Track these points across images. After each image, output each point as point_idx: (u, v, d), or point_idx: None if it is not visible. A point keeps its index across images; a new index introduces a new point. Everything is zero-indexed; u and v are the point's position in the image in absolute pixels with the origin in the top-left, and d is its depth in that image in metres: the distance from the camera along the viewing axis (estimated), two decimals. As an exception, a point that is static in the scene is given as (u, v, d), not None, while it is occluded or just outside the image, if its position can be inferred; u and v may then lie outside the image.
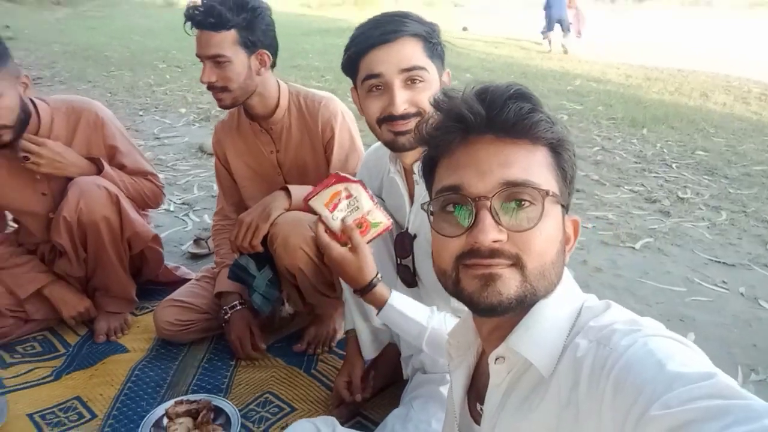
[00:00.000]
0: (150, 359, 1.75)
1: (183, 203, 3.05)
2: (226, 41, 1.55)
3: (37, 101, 1.72)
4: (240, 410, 1.49)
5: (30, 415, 1.50)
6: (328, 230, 1.09)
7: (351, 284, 1.14)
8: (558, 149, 0.70)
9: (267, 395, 1.61)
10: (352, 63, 1.18)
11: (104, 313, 1.88)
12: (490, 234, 0.64)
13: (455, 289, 0.69)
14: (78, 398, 1.58)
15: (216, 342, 1.83)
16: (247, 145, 1.81)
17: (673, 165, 4.15)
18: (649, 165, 4.13)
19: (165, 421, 1.46)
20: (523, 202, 0.66)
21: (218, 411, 1.50)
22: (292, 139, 1.76)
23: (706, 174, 3.99)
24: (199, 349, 1.81)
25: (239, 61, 1.58)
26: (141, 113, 5.12)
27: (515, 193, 0.66)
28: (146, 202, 1.90)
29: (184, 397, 1.53)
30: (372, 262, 1.11)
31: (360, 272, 1.10)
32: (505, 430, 0.71)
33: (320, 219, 1.09)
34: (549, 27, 11.18)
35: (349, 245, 1.08)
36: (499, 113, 0.66)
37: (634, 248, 2.76)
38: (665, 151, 4.51)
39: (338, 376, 1.54)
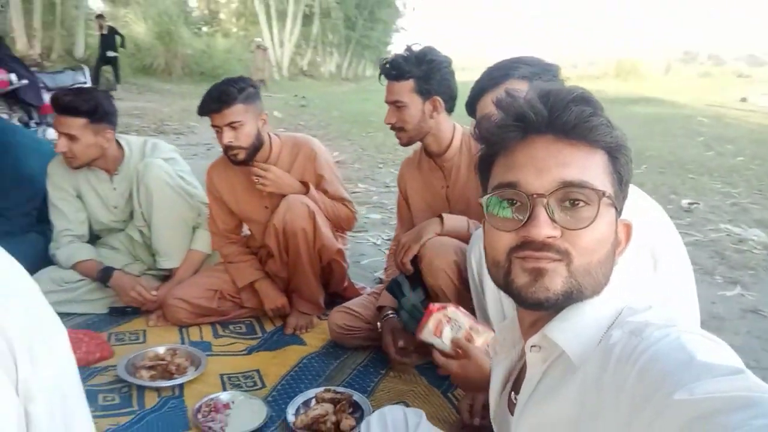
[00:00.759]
0: (319, 354, 2.04)
1: (388, 239, 3.41)
2: (404, 89, 1.81)
3: (272, 135, 2.22)
4: (374, 410, 1.64)
5: (220, 375, 1.88)
6: (444, 353, 1.26)
7: (478, 386, 1.21)
8: (615, 153, 0.71)
9: (401, 404, 1.73)
10: None
11: (296, 311, 2.25)
12: (544, 229, 0.66)
13: (505, 281, 0.71)
14: (257, 371, 1.92)
15: (376, 352, 2.03)
16: (424, 179, 2.02)
17: None
18: None
19: (313, 402, 1.70)
20: (578, 202, 0.68)
21: (356, 406, 1.68)
22: (461, 176, 1.91)
23: None
24: (360, 354, 2.03)
25: (414, 105, 1.82)
26: (380, 166, 5.86)
27: (571, 193, 0.67)
28: (340, 222, 2.24)
29: (333, 388, 1.75)
30: (487, 360, 1.20)
31: (480, 369, 1.19)
32: (532, 416, 0.73)
33: (433, 348, 1.27)
34: None
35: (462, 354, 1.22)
36: (561, 115, 0.68)
37: None
38: None
39: (463, 398, 1.60)
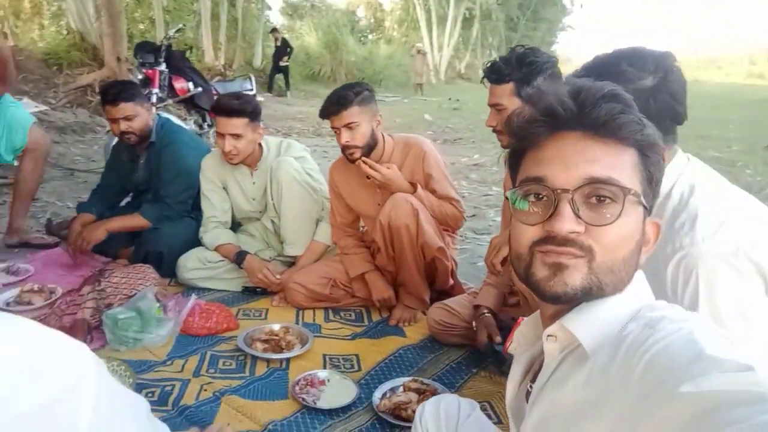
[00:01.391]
0: (416, 346, 2.11)
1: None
2: (504, 92, 1.81)
3: (386, 136, 2.35)
4: (456, 405, 1.69)
5: (323, 355, 2.05)
6: None
7: None
8: (646, 151, 0.70)
9: (485, 404, 1.75)
10: None
11: (402, 304, 2.35)
12: (567, 224, 0.67)
13: (526, 274, 0.72)
14: (357, 355, 2.05)
15: (471, 351, 2.06)
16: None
17: None
18: None
19: (400, 389, 1.78)
20: (603, 199, 0.67)
21: (440, 399, 1.74)
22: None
23: None
24: (456, 352, 2.07)
25: (513, 107, 1.81)
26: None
27: (597, 189, 0.67)
28: (447, 221, 2.30)
29: (422, 379, 1.82)
30: None
31: None
32: (543, 403, 0.74)
33: None
34: None
35: None
36: (591, 111, 0.68)
37: None
38: None
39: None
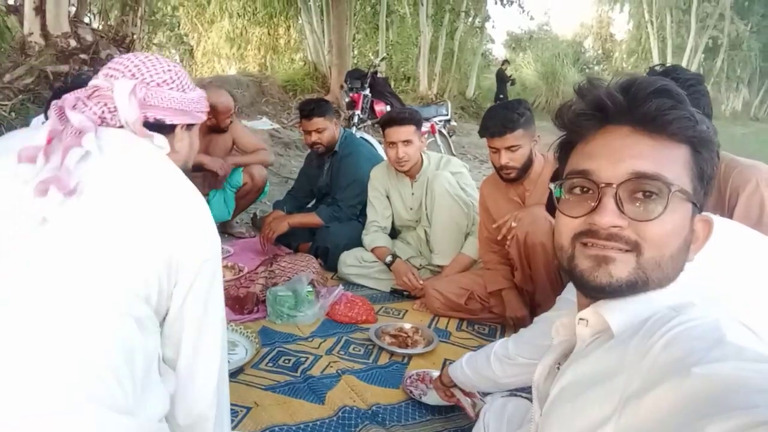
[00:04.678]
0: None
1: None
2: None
3: (538, 154, 2.34)
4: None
5: (445, 359, 2.11)
6: None
7: None
8: (698, 148, 0.69)
9: None
10: None
11: (536, 326, 2.30)
12: (609, 218, 0.66)
13: (569, 265, 0.72)
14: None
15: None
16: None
17: None
18: None
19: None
20: (649, 194, 0.67)
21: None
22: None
23: None
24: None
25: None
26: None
27: (642, 184, 0.67)
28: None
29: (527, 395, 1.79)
30: None
31: None
32: (563, 378, 0.75)
33: None
34: None
35: None
36: (641, 106, 0.68)
37: None
38: None
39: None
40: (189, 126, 1.16)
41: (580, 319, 0.74)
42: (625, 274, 0.66)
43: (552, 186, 0.76)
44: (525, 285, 2.34)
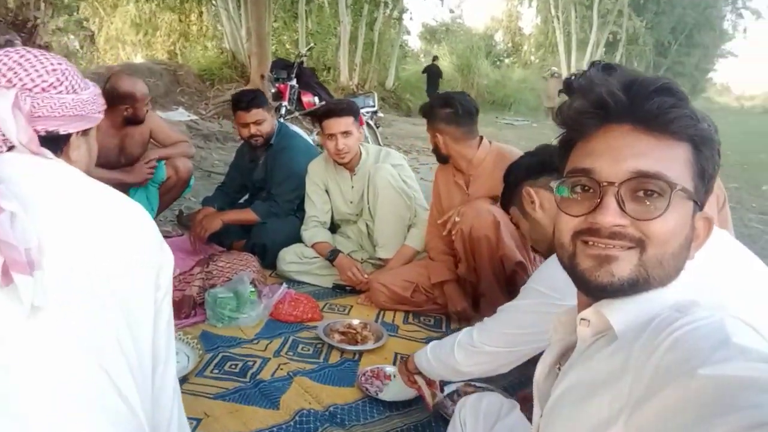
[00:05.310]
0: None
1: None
2: None
3: (485, 141, 2.38)
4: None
5: (395, 354, 2.11)
6: None
7: None
8: (700, 146, 0.69)
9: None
10: None
11: (481, 316, 2.34)
12: (611, 217, 0.66)
13: (570, 264, 0.72)
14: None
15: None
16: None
17: None
18: None
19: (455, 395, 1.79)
20: (650, 193, 0.67)
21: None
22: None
23: None
24: (531, 368, 2.02)
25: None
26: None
27: (644, 183, 0.67)
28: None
29: (475, 383, 1.80)
30: None
31: None
32: (565, 380, 0.74)
33: None
34: None
35: None
36: (642, 104, 0.67)
37: None
38: None
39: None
40: (85, 131, 1.00)
41: (582, 319, 0.73)
42: (627, 273, 0.66)
43: (553, 184, 0.75)
44: (469, 276, 2.37)
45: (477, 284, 2.36)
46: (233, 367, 1.94)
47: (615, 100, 0.69)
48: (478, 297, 2.40)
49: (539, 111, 19.38)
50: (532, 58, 30.58)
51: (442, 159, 2.43)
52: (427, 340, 2.23)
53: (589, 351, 0.72)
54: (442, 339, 1.55)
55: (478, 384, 1.80)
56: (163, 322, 0.92)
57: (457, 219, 2.23)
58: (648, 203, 0.66)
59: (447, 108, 2.29)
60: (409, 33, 24.98)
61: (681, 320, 0.59)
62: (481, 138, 2.41)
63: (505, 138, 9.80)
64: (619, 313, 0.67)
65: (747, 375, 0.47)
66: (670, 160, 0.67)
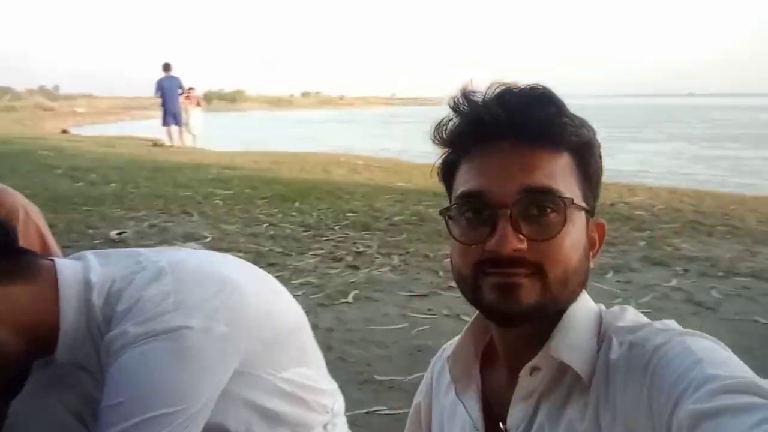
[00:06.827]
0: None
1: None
2: None
3: None
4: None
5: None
6: None
7: None
8: (583, 152, 0.68)
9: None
10: None
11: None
12: (509, 243, 0.62)
13: (474, 296, 0.67)
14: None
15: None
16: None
17: (336, 227, 4.72)
18: (317, 231, 4.67)
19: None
20: (544, 209, 0.64)
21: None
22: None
23: (364, 230, 4.61)
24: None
25: None
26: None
27: (537, 201, 0.64)
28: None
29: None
30: None
31: None
32: None
33: None
34: (167, 121, 11.57)
35: None
36: (521, 118, 0.64)
37: (348, 302, 3.05)
38: (323, 217, 5.18)
39: None
40: None
41: (533, 368, 0.66)
42: (533, 299, 0.63)
43: (441, 212, 0.69)
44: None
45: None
46: None
47: (493, 116, 0.64)
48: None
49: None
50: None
51: None
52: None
53: (552, 401, 0.67)
54: None
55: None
56: None
57: None
58: (543, 221, 0.63)
59: None
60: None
61: (646, 356, 0.59)
62: None
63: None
64: (569, 351, 0.65)
65: (727, 404, 0.49)
66: (558, 171, 0.65)
